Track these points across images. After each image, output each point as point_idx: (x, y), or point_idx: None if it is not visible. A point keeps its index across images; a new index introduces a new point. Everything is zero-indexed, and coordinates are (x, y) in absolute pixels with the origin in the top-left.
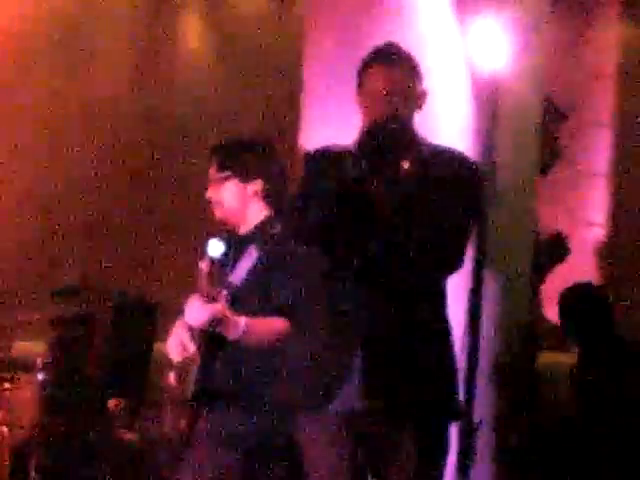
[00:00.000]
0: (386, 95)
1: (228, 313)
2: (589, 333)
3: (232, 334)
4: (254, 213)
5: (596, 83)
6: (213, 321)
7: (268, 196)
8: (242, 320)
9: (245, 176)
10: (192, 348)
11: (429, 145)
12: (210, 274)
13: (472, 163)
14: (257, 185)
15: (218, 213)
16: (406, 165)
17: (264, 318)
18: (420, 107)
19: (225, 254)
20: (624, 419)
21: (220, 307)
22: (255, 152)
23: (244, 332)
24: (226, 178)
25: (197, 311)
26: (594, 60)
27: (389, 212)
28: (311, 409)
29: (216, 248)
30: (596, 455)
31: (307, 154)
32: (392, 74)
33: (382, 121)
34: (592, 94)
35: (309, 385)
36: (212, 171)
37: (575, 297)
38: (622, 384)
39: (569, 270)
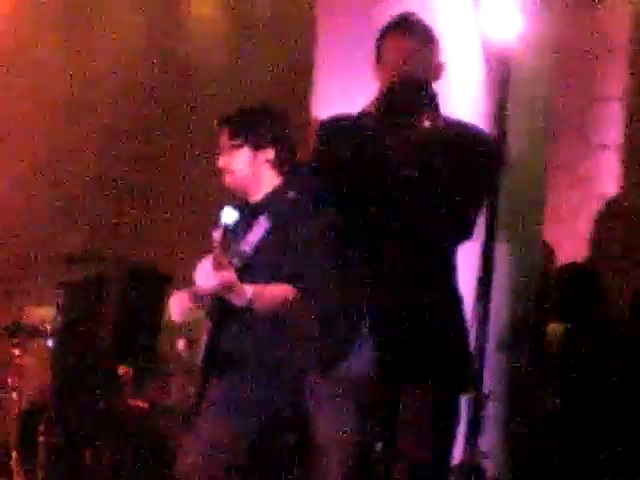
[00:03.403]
0: (403, 66)
1: (236, 281)
2: (581, 311)
3: (239, 302)
4: (266, 181)
5: (608, 55)
6: (221, 288)
7: (280, 164)
8: (249, 289)
9: (257, 144)
10: (190, 305)
11: (444, 116)
12: (223, 242)
13: (485, 133)
14: (269, 153)
15: (230, 181)
16: (426, 122)
17: (272, 285)
18: (437, 79)
19: (237, 222)
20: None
21: (228, 275)
22: (267, 120)
23: (251, 300)
24: (238, 146)
25: (207, 275)
26: (606, 32)
27: (406, 169)
28: (319, 371)
29: (230, 215)
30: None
31: (323, 120)
32: (410, 44)
33: (401, 79)
34: (604, 66)
35: (318, 347)
36: (224, 139)
37: (571, 276)
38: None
39: (580, 242)
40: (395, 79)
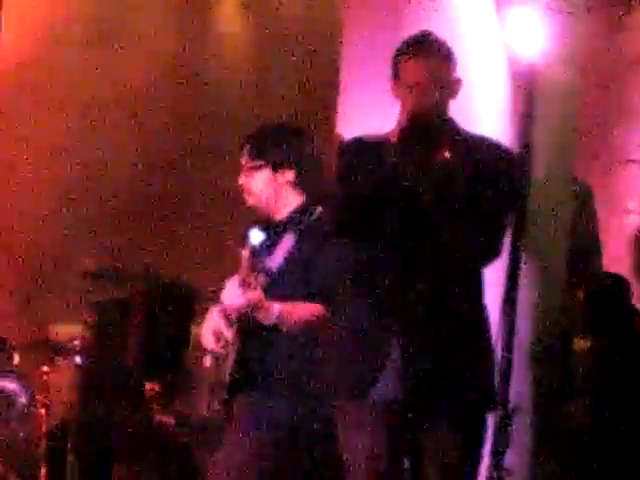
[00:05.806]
0: (422, 86)
1: (262, 300)
2: (609, 322)
3: (266, 320)
4: (287, 201)
5: (634, 69)
6: (248, 307)
7: (301, 184)
8: (276, 307)
9: (277, 165)
10: (229, 336)
11: (466, 134)
12: (250, 262)
13: (509, 152)
14: (289, 174)
15: (250, 200)
16: (446, 155)
17: (299, 303)
18: (454, 96)
19: (263, 240)
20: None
21: (256, 294)
22: (287, 141)
23: (278, 318)
24: (258, 167)
25: (235, 294)
26: (632, 47)
27: (428, 201)
28: (349, 396)
29: (257, 237)
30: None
31: (344, 143)
32: (428, 65)
33: (422, 113)
34: (630, 80)
35: (347, 372)
36: (244, 159)
37: (599, 287)
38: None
39: (606, 257)
40: (415, 110)
